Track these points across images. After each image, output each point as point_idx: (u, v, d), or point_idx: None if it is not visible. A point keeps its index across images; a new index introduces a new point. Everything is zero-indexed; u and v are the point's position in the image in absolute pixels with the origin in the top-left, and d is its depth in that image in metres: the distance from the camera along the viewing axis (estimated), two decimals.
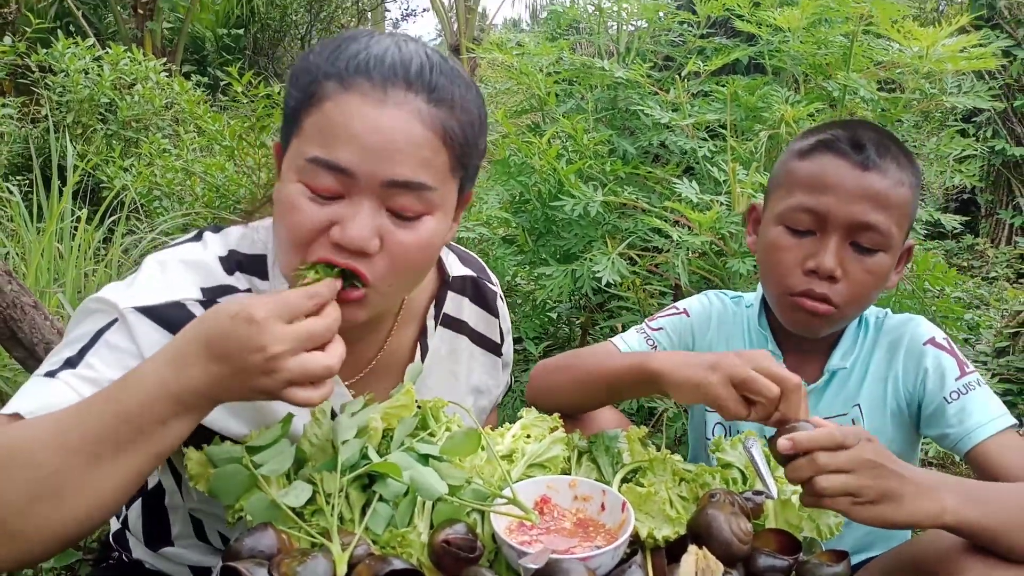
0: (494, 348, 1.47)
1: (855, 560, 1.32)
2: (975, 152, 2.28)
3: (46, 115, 4.47)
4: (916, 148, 2.42)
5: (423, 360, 1.36)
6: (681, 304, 1.60)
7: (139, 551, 1.38)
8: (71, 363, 1.06)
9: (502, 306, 1.49)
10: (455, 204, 1.16)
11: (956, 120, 4.85)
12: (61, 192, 3.30)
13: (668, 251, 2.07)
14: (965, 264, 5.22)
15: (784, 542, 1.06)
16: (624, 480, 1.20)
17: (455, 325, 1.41)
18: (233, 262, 1.20)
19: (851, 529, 1.32)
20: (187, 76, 5.62)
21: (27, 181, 4.00)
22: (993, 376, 2.94)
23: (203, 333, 0.93)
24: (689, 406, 1.65)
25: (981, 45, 2.09)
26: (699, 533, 1.05)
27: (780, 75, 2.53)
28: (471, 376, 1.44)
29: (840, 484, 1.01)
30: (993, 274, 4.90)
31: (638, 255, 2.19)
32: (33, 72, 4.76)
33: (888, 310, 1.50)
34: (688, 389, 1.18)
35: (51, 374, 1.05)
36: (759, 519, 1.12)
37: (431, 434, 1.24)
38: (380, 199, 1.05)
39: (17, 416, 0.99)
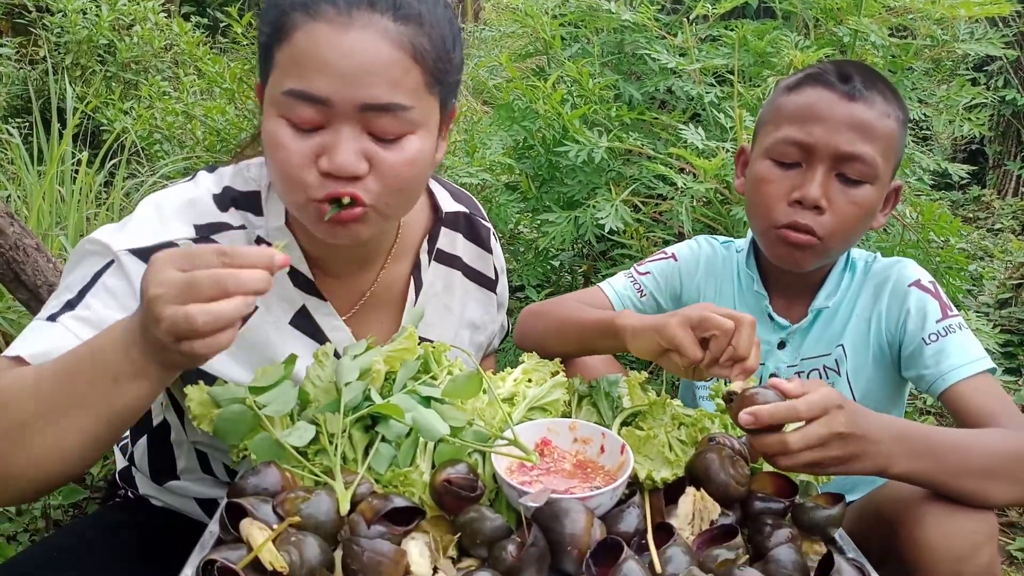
0: (489, 284, 1.49)
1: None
2: (985, 101, 2.24)
3: (44, 56, 4.41)
4: (925, 96, 2.38)
5: (417, 295, 1.37)
6: (670, 249, 1.61)
7: (145, 487, 1.40)
8: (71, 305, 1.08)
9: (495, 244, 1.51)
10: (438, 121, 1.16)
11: (968, 69, 4.77)
12: (61, 135, 3.28)
13: (672, 199, 2.06)
14: (971, 215, 5.19)
15: (781, 485, 1.08)
16: (624, 424, 1.21)
17: (449, 260, 1.42)
18: (228, 199, 1.22)
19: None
20: (186, 17, 5.51)
21: (27, 123, 3.96)
22: (995, 327, 2.95)
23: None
24: None
25: None
26: (697, 475, 1.06)
27: (790, 20, 2.48)
28: (466, 310, 1.46)
29: (806, 460, 1.01)
30: (999, 226, 4.87)
31: (642, 202, 2.17)
32: (30, 12, 4.69)
33: (878, 254, 1.51)
34: (647, 336, 1.19)
35: (52, 318, 1.06)
36: (756, 463, 1.13)
37: (433, 377, 1.25)
38: (360, 123, 1.06)
39: (19, 359, 1.01)
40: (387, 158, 1.08)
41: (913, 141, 2.90)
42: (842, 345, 1.45)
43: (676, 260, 1.58)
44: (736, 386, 1.10)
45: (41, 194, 2.84)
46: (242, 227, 1.21)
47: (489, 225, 1.50)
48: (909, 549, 1.08)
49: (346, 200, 1.08)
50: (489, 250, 1.48)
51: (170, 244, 1.12)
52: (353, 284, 1.32)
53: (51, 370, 0.95)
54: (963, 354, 1.31)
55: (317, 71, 1.03)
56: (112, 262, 1.10)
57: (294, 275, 1.26)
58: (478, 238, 1.46)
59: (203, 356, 0.87)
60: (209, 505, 1.36)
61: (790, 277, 1.46)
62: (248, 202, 1.23)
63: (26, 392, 0.93)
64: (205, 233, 1.17)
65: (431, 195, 1.41)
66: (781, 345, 1.48)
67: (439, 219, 1.40)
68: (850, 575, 0.88)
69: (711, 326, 1.13)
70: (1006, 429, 1.19)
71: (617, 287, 1.57)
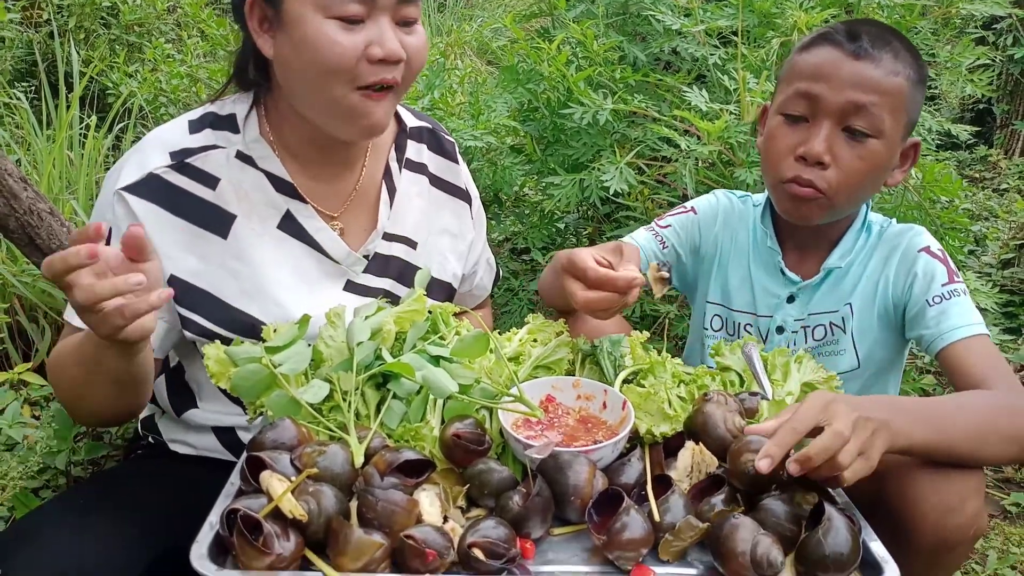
0: (459, 194, 1.59)
1: None
2: (989, 61, 2.24)
3: (47, 19, 4.40)
4: (931, 56, 2.38)
5: (392, 199, 1.48)
6: (690, 203, 1.66)
7: (167, 429, 1.46)
8: None
9: (461, 159, 1.61)
10: None
11: (976, 28, 4.72)
12: (68, 99, 3.29)
13: (677, 161, 2.08)
14: (977, 175, 5.17)
15: None
16: (625, 381, 1.25)
17: (417, 168, 1.53)
18: (205, 122, 1.36)
19: None
20: None
21: (32, 88, 3.97)
22: (995, 287, 2.97)
23: None
24: (691, 305, 1.71)
25: None
26: (695, 430, 1.11)
27: None
28: (440, 217, 1.56)
29: (857, 466, 1.00)
30: (1004, 186, 4.86)
31: (647, 164, 2.19)
32: None
33: (893, 219, 1.53)
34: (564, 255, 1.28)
35: None
36: (754, 418, 1.17)
37: (441, 337, 1.29)
38: (392, 14, 1.23)
39: (72, 327, 1.29)
40: (412, 43, 1.26)
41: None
42: (850, 304, 1.49)
43: (695, 213, 1.63)
44: None
45: (51, 160, 2.86)
46: (214, 147, 1.34)
47: (452, 139, 1.60)
48: (898, 503, 1.13)
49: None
50: (456, 161, 1.59)
51: (151, 176, 1.30)
52: (335, 187, 1.43)
53: (78, 341, 1.19)
54: (963, 317, 1.35)
55: None
56: (118, 207, 1.29)
57: (276, 182, 1.37)
58: (443, 150, 1.57)
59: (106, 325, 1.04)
60: (228, 436, 1.42)
61: (804, 233, 1.49)
62: (225, 123, 1.36)
63: (69, 358, 1.22)
64: (178, 159, 1.32)
65: (395, 112, 1.52)
66: (791, 299, 1.51)
67: (404, 131, 1.52)
68: (840, 522, 0.93)
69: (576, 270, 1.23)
70: (995, 391, 1.24)
71: (639, 239, 1.61)
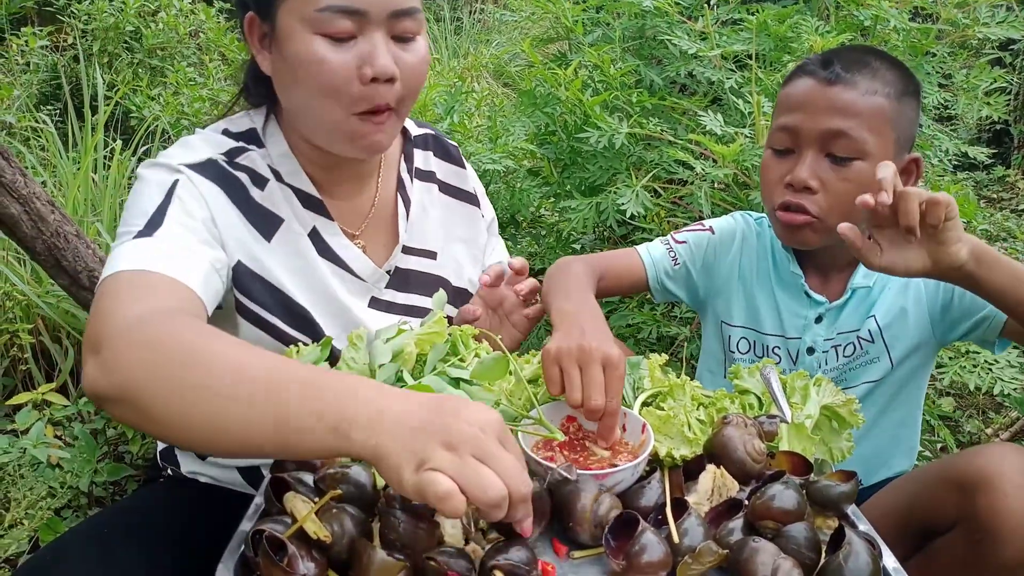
0: (468, 198, 1.58)
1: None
2: (1005, 84, 2.25)
3: (72, 43, 4.49)
4: (947, 79, 2.39)
5: (408, 211, 1.46)
6: (709, 222, 1.67)
7: (188, 464, 1.46)
8: (155, 224, 1.14)
9: (467, 163, 1.59)
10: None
11: (993, 49, 4.72)
12: (93, 123, 3.35)
13: (692, 183, 2.09)
14: (995, 196, 5.15)
15: (796, 463, 1.12)
16: (645, 404, 1.26)
17: (426, 176, 1.52)
18: (230, 134, 1.33)
19: (859, 451, 1.38)
20: (210, 3, 5.58)
21: (57, 110, 4.04)
22: None
23: (434, 422, 0.82)
24: (703, 326, 1.72)
25: None
26: (715, 453, 1.11)
27: (811, 3, 2.49)
28: (454, 224, 1.55)
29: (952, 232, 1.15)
30: (1023, 206, 4.84)
31: (662, 187, 2.21)
32: (58, 0, 4.76)
33: None
34: None
35: (145, 235, 1.13)
36: (773, 442, 1.18)
37: (461, 360, 1.31)
38: (386, 29, 1.18)
39: (149, 272, 1.05)
40: (408, 59, 1.21)
41: (936, 121, 2.91)
42: (874, 316, 1.50)
43: (713, 233, 1.64)
44: None
45: (76, 183, 2.91)
46: (253, 150, 1.31)
47: (455, 144, 1.59)
48: (987, 516, 1.14)
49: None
50: (463, 166, 1.57)
51: (211, 161, 1.25)
52: (353, 204, 1.41)
53: (271, 364, 0.89)
54: None
55: None
56: (177, 178, 1.21)
57: (304, 198, 1.35)
58: (448, 155, 1.56)
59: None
60: (250, 473, 1.42)
61: (824, 254, 1.51)
62: (248, 137, 1.33)
63: (232, 364, 0.88)
64: (231, 156, 1.28)
65: None
66: (819, 319, 1.53)
67: (409, 140, 1.51)
68: (860, 547, 0.93)
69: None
70: None
71: (655, 254, 1.63)
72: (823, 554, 0.96)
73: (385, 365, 1.21)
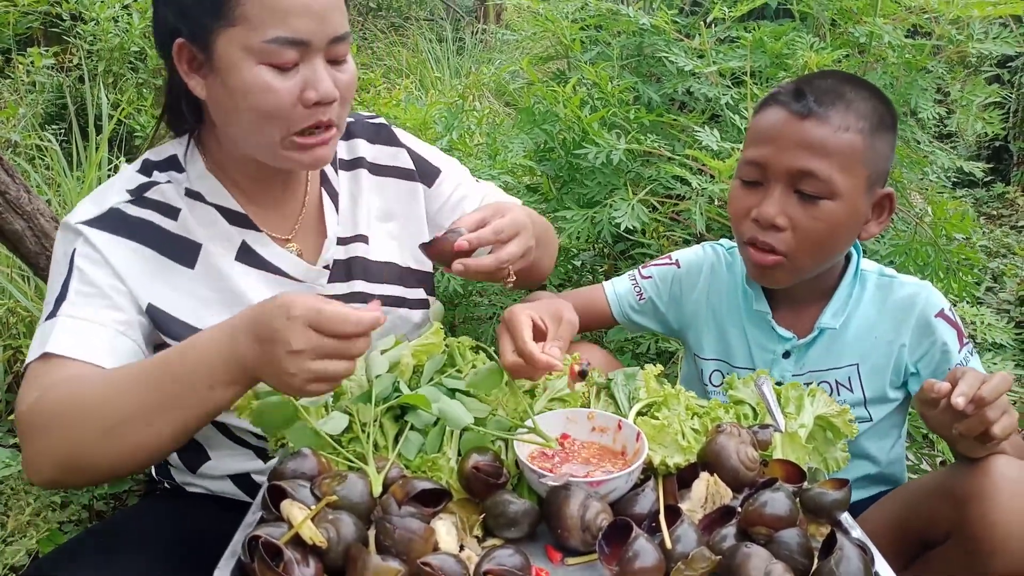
0: (404, 174, 1.55)
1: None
2: (1000, 100, 2.27)
3: (78, 64, 4.54)
4: (944, 96, 2.41)
5: (336, 204, 1.47)
6: (676, 254, 1.66)
7: (182, 477, 1.48)
8: (64, 294, 1.23)
9: (401, 133, 1.59)
10: None
11: (991, 66, 4.75)
12: (97, 142, 3.38)
13: (690, 199, 2.11)
14: (995, 212, 5.16)
15: (790, 471, 1.13)
16: (639, 414, 1.27)
17: (351, 165, 1.52)
18: (148, 168, 1.36)
19: (852, 466, 1.39)
20: None
21: (61, 130, 4.08)
22: (1011, 322, 2.96)
23: (255, 314, 1.05)
24: (684, 355, 1.71)
25: None
26: (709, 461, 1.12)
27: (807, 21, 2.52)
28: (385, 202, 1.54)
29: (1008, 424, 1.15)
30: (1023, 223, 4.85)
31: (660, 202, 2.22)
32: (64, 21, 4.82)
33: (896, 275, 1.51)
34: None
35: (52, 315, 1.22)
36: (767, 451, 1.19)
37: (458, 371, 1.32)
38: (325, 54, 1.23)
39: (50, 355, 1.17)
40: (343, 79, 1.26)
41: (935, 138, 2.93)
42: (857, 365, 1.47)
43: (679, 267, 1.62)
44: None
45: (80, 199, 2.94)
46: (168, 181, 1.34)
47: (381, 119, 1.59)
48: (980, 526, 1.15)
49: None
50: (397, 144, 1.57)
51: (113, 210, 1.28)
52: (283, 211, 1.43)
53: (145, 373, 1.11)
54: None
55: (299, 15, 1.18)
56: (77, 239, 1.26)
57: (228, 214, 1.37)
58: (378, 136, 1.56)
59: (317, 393, 1.07)
60: (244, 481, 1.43)
61: (794, 290, 1.47)
62: (168, 163, 1.37)
63: (121, 394, 1.10)
64: (138, 193, 1.31)
65: None
66: (786, 355, 1.50)
67: None
68: (852, 552, 0.94)
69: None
70: None
71: (619, 289, 1.65)
72: (815, 560, 0.97)
73: (382, 376, 1.23)
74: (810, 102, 1.32)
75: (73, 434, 1.09)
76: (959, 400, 1.10)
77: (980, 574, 1.17)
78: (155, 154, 1.38)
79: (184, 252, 1.32)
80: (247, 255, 1.37)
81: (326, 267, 1.44)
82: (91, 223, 1.26)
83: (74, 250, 1.25)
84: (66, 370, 1.15)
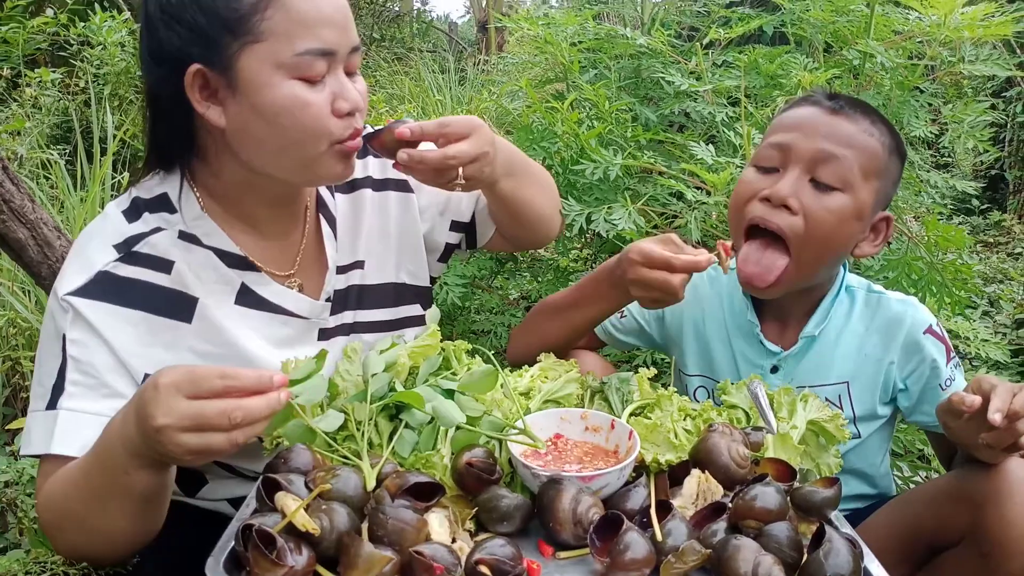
0: (399, 186, 1.52)
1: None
2: (989, 119, 2.30)
3: (83, 87, 4.60)
4: (933, 118, 2.45)
5: (333, 228, 1.43)
6: None
7: (177, 498, 1.46)
8: (58, 390, 1.18)
9: None
10: None
11: (987, 95, 4.81)
12: (101, 163, 3.43)
13: (684, 214, 2.13)
14: (991, 240, 5.19)
15: (781, 470, 1.14)
16: (633, 415, 1.28)
17: (349, 187, 1.47)
18: (138, 207, 1.29)
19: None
20: None
21: (65, 152, 4.13)
22: (1008, 343, 2.98)
23: (139, 391, 1.00)
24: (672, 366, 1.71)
25: (1002, 13, 2.11)
26: (700, 458, 1.13)
27: (802, 45, 2.56)
28: (387, 221, 1.49)
29: None
30: (1019, 250, 4.88)
31: (656, 214, 2.25)
32: (71, 45, 4.89)
33: (884, 291, 1.52)
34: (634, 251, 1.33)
35: (52, 407, 1.18)
36: (759, 452, 1.19)
37: (453, 373, 1.33)
38: (344, 66, 1.22)
39: (54, 456, 1.15)
40: (362, 90, 1.25)
41: (934, 168, 2.97)
42: (847, 384, 1.48)
43: None
44: None
45: (83, 216, 2.97)
46: (157, 229, 1.27)
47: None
48: (996, 527, 1.16)
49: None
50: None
51: (102, 273, 1.22)
52: (284, 244, 1.39)
53: (85, 465, 1.09)
54: None
55: (324, 25, 1.17)
56: (67, 313, 1.20)
57: (225, 257, 1.31)
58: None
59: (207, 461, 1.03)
60: (241, 504, 1.42)
61: (782, 303, 1.48)
62: (158, 204, 1.29)
63: (72, 487, 1.09)
64: (125, 249, 1.25)
65: None
66: (774, 370, 1.50)
67: None
68: (841, 545, 0.94)
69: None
70: None
71: None
72: (805, 554, 0.98)
73: (378, 375, 1.24)
74: (842, 103, 1.38)
75: (63, 534, 1.13)
76: (996, 416, 1.10)
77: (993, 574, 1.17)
78: (145, 191, 1.31)
79: (180, 307, 1.27)
80: (247, 297, 1.33)
81: (328, 299, 1.41)
82: (80, 293, 1.20)
83: (64, 334, 1.19)
84: (64, 469, 1.14)
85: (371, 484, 1.05)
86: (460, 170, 1.26)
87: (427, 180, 1.32)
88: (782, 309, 1.50)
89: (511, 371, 1.41)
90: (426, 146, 1.25)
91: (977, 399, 1.14)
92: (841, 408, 1.47)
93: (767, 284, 1.36)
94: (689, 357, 1.58)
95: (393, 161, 1.45)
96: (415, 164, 1.24)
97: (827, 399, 1.48)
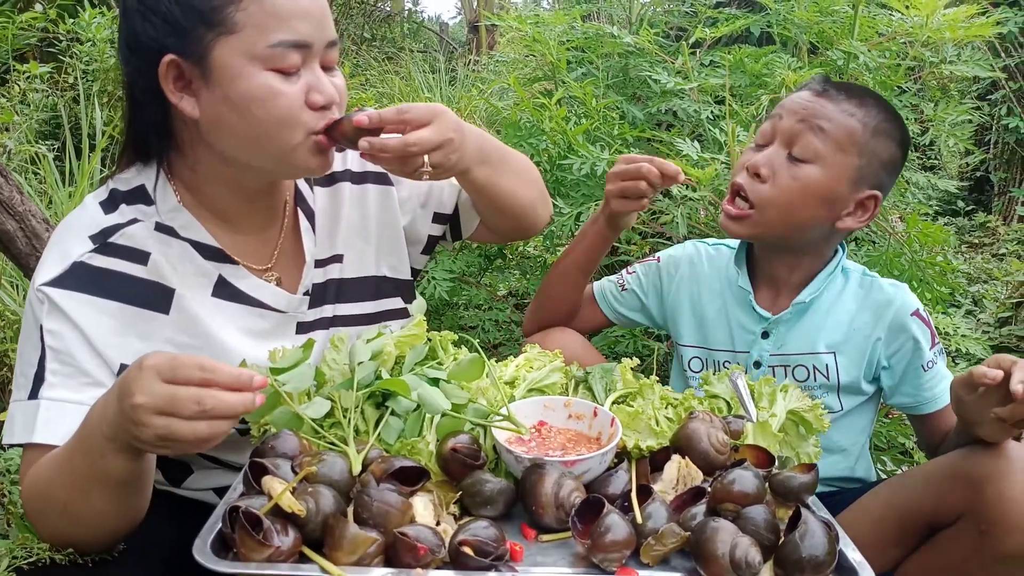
0: (379, 179, 1.51)
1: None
2: (971, 118, 2.34)
3: (72, 83, 4.59)
4: (916, 117, 2.48)
5: (311, 222, 1.43)
6: (659, 253, 1.76)
7: (164, 487, 1.46)
8: (39, 380, 1.18)
9: None
10: None
11: (973, 98, 4.86)
12: (90, 158, 3.43)
13: (669, 211, 2.16)
14: (976, 241, 5.25)
15: (760, 457, 1.16)
16: (615, 403, 1.30)
17: (329, 180, 1.47)
18: (115, 199, 1.29)
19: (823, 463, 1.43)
20: None
21: (55, 146, 4.12)
22: (992, 344, 3.01)
23: (123, 374, 1.00)
24: (672, 345, 1.78)
25: (985, 14, 2.15)
26: (681, 445, 1.15)
27: (788, 45, 2.59)
28: (366, 215, 1.49)
29: None
30: (1003, 251, 4.93)
31: (646, 213, 2.27)
32: (60, 41, 4.88)
33: (877, 276, 1.59)
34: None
35: (33, 396, 1.18)
36: (739, 440, 1.22)
37: (439, 363, 1.35)
38: (321, 59, 1.23)
39: (37, 445, 1.15)
40: (339, 84, 1.26)
41: (920, 169, 3.00)
42: (834, 354, 1.54)
43: (659, 261, 1.73)
44: None
45: (71, 206, 2.97)
46: (134, 220, 1.27)
47: None
48: (994, 505, 1.19)
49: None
50: None
51: (78, 264, 1.22)
52: (263, 238, 1.39)
53: (67, 451, 1.09)
54: (947, 381, 1.47)
55: (300, 18, 1.18)
56: (43, 304, 1.20)
57: (202, 249, 1.31)
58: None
59: (178, 452, 1.04)
60: (223, 493, 1.43)
61: (776, 271, 1.57)
62: (136, 195, 1.30)
63: (56, 473, 1.10)
64: (102, 240, 1.25)
65: None
66: (765, 335, 1.57)
67: None
68: (816, 527, 0.96)
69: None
70: None
71: (604, 284, 1.77)
72: (782, 537, 1.00)
73: (364, 363, 1.26)
74: (830, 87, 1.48)
75: (45, 520, 1.13)
76: (1020, 387, 1.14)
77: (992, 553, 1.19)
78: (122, 183, 1.31)
79: (157, 298, 1.27)
80: (224, 289, 1.33)
81: (306, 293, 1.41)
82: (55, 283, 1.20)
83: (42, 324, 1.19)
84: (47, 456, 1.14)
85: (357, 469, 1.07)
86: (426, 158, 1.25)
87: (393, 169, 1.32)
88: (775, 279, 1.58)
89: (496, 361, 1.43)
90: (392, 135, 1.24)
91: (999, 372, 1.17)
92: (827, 377, 1.54)
93: (730, 216, 1.51)
94: (684, 329, 1.67)
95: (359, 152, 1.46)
96: (377, 152, 1.23)
97: (815, 367, 1.55)
